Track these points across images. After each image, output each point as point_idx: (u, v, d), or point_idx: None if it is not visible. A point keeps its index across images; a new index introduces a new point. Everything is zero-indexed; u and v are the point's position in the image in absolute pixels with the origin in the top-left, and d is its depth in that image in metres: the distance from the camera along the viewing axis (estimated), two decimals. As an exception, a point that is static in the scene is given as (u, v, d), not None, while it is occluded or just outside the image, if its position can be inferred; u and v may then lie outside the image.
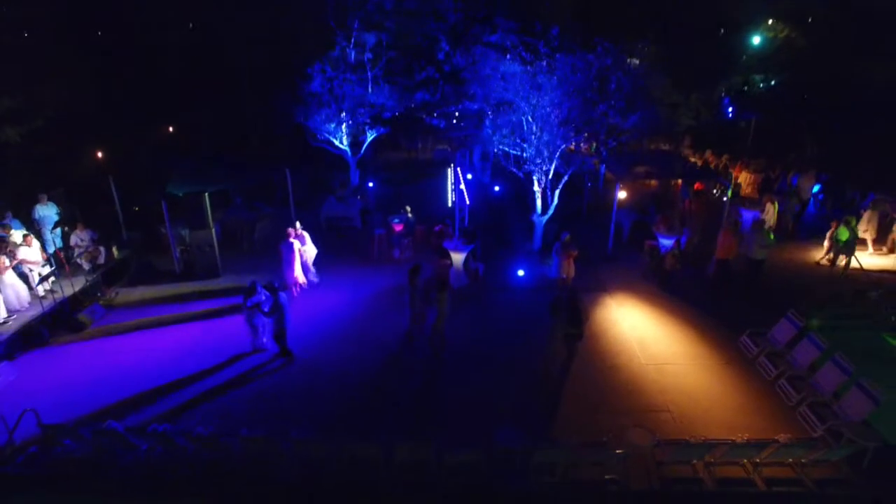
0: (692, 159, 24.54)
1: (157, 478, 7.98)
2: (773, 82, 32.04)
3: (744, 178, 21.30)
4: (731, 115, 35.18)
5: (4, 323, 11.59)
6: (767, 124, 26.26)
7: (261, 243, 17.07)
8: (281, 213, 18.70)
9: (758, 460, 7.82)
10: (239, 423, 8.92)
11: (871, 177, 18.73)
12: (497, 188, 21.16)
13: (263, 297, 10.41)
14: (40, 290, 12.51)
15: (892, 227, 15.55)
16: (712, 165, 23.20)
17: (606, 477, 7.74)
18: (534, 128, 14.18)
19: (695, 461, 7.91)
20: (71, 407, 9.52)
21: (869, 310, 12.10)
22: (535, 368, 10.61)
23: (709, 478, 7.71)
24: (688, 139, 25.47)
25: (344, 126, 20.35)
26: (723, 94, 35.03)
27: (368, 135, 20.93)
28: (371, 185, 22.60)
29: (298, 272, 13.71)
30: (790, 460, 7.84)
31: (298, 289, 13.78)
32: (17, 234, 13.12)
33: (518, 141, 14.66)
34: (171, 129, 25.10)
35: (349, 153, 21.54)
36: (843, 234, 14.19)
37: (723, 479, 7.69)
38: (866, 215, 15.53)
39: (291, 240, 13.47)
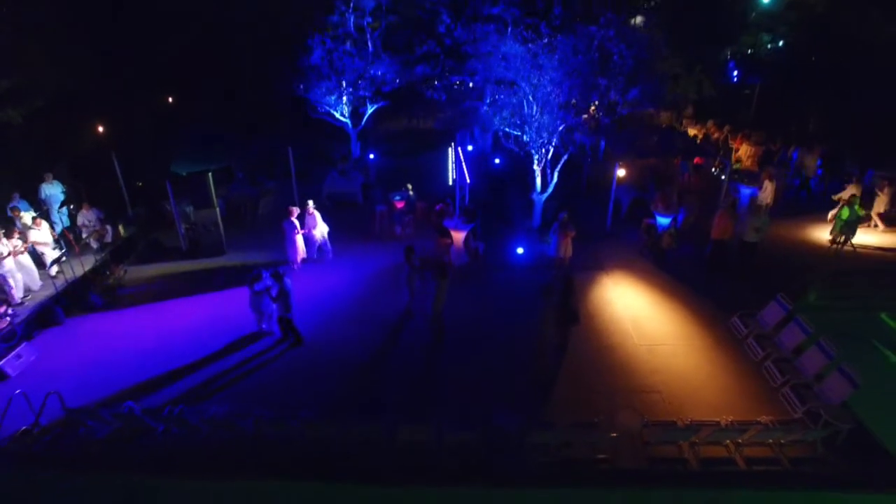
0: (693, 131, 24.48)
1: (174, 458, 8.49)
2: (780, 43, 31.51)
3: (744, 151, 21.31)
4: (735, 78, 34.80)
5: (21, 304, 12.02)
6: (772, 91, 26.05)
7: (265, 219, 17.29)
8: (283, 187, 18.89)
9: (740, 441, 8.31)
10: (249, 403, 9.38)
11: (871, 152, 18.79)
12: (497, 160, 21.22)
13: (270, 283, 10.74)
14: (52, 270, 12.86)
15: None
16: (713, 137, 23.17)
17: (598, 456, 8.25)
18: (534, 108, 14.22)
19: (681, 442, 8.40)
20: (89, 387, 9.97)
21: (861, 291, 12.51)
22: (534, 347, 11.03)
23: (693, 457, 8.21)
24: (690, 108, 25.29)
25: (344, 98, 20.32)
26: (728, 57, 34.54)
27: (369, 107, 20.92)
28: (372, 156, 22.70)
29: (301, 249, 14.08)
30: (770, 441, 8.33)
31: (300, 265, 14.21)
32: (26, 216, 13.39)
33: (518, 122, 14.72)
34: (170, 99, 25.01)
35: (350, 125, 21.56)
36: (844, 213, 14.19)
37: (706, 459, 8.19)
38: (850, 188, 15.79)
39: (293, 219, 13.79)
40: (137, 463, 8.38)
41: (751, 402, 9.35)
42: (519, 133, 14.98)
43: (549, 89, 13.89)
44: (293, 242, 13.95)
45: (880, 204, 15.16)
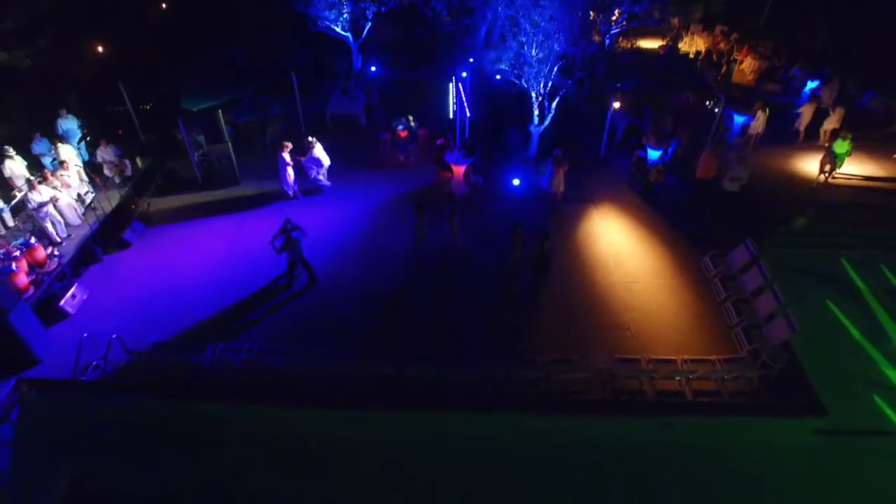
0: (699, 41, 23.88)
1: (217, 389, 10.23)
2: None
3: (747, 65, 21.18)
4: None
5: (61, 243, 13.25)
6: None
7: (273, 147, 17.85)
8: (288, 109, 19.20)
9: (690, 377, 9.96)
10: (274, 338, 10.97)
11: (876, 73, 18.75)
12: (498, 76, 21.16)
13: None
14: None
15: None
16: (718, 47, 22.77)
17: (572, 389, 9.96)
18: (534, 49, 14.31)
19: (642, 378, 10.06)
20: (138, 324, 11.46)
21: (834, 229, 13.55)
22: (529, 283, 12.33)
23: (651, 390, 9.91)
24: (698, 13, 24.44)
25: (344, 13, 19.98)
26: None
27: (369, 23, 20.66)
28: (374, 69, 22.59)
29: (292, 180, 15.28)
30: (715, 377, 9.98)
31: (293, 194, 15.52)
32: (64, 150, 14.27)
33: (518, 62, 14.89)
34: (164, 5, 24.22)
35: (350, 38, 21.29)
36: (843, 147, 14.44)
37: (661, 391, 9.89)
38: (805, 107, 16.62)
39: (285, 153, 14.83)
40: (189, 391, 10.16)
41: (707, 339, 10.87)
42: (518, 72, 15.20)
43: (549, 23, 13.92)
44: (284, 174, 15.07)
45: (830, 123, 15.78)
